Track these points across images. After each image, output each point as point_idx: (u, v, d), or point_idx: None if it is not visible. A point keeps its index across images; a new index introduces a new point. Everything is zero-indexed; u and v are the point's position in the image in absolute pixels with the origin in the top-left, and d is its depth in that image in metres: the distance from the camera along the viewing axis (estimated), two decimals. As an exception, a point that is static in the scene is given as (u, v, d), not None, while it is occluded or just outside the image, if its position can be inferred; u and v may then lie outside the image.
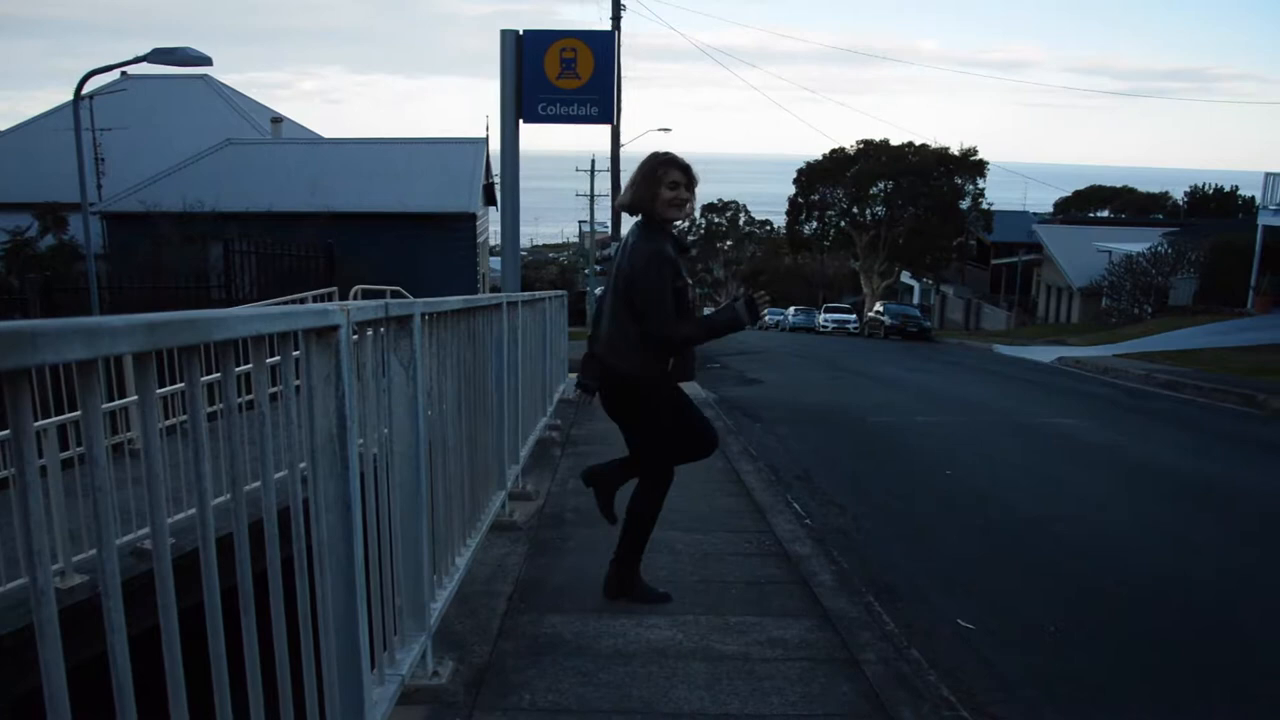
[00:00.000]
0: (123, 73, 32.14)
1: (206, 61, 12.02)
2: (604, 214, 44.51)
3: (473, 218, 25.07)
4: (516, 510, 5.95)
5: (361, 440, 2.72)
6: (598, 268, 48.83)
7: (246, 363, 1.96)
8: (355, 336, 2.58)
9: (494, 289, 28.59)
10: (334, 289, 13.97)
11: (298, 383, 2.19)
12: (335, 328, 2.22)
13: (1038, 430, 11.44)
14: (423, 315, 3.18)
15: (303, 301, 12.35)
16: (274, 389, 2.22)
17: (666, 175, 4.18)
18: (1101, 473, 8.98)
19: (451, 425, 3.96)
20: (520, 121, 11.86)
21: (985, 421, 12.24)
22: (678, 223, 4.38)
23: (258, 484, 2.01)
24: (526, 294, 7.01)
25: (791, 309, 52.33)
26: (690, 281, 4.29)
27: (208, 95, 32.65)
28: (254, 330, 1.74)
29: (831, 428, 11.54)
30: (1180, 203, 63.06)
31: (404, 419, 3.09)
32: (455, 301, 3.87)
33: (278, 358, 2.10)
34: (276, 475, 2.00)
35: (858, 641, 4.01)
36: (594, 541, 5.43)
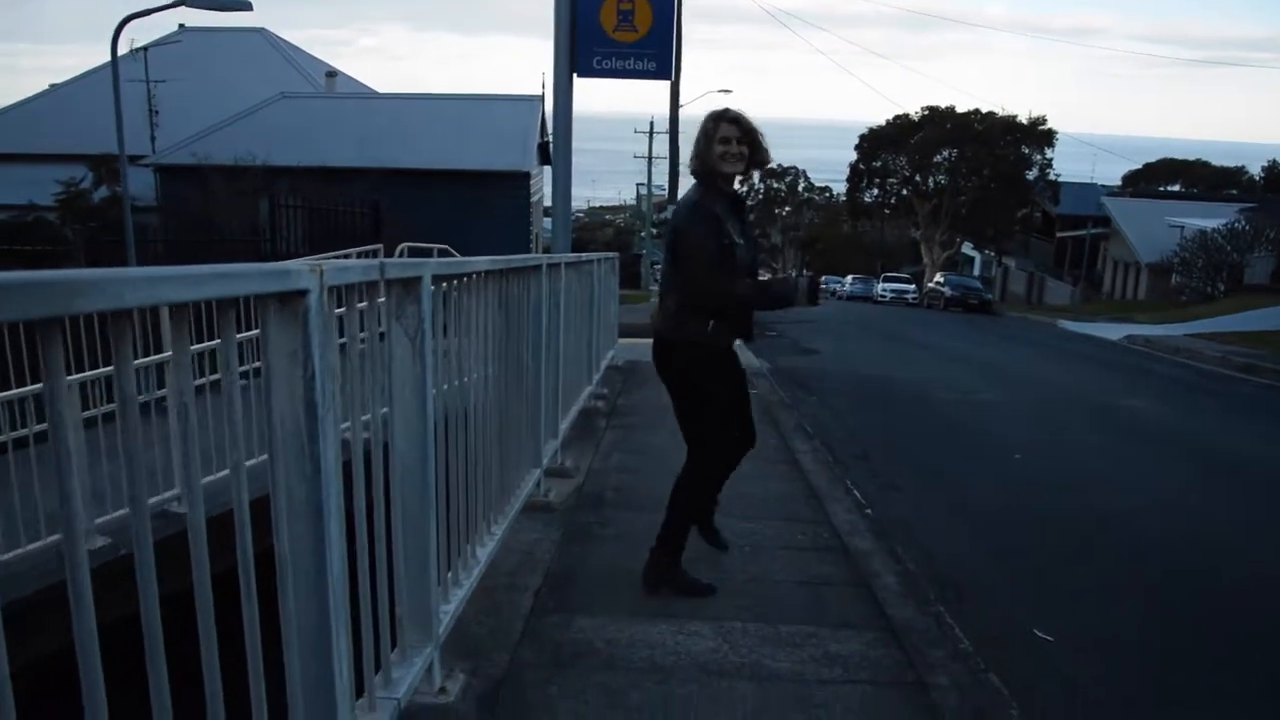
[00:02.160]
0: (180, 25, 32.08)
1: (245, 7, 11.63)
2: (661, 176, 43.79)
3: (526, 176, 24.64)
4: (553, 489, 5.51)
5: (347, 425, 2.28)
6: (654, 230, 48.33)
7: (214, 338, 1.52)
8: (343, 308, 2.14)
9: (546, 249, 28.19)
10: (379, 246, 13.64)
11: (257, 365, 1.76)
12: (302, 293, 1.77)
13: (1110, 413, 10.81)
14: (435, 279, 2.73)
15: (348, 258, 12.02)
16: (245, 368, 1.79)
17: (717, 131, 4.07)
18: (1183, 463, 8.37)
19: (477, 401, 3.52)
20: (574, 75, 11.38)
21: (1054, 402, 11.63)
22: (739, 179, 4.24)
23: (221, 475, 1.59)
24: (571, 255, 6.53)
25: (849, 278, 51.37)
26: (740, 241, 4.07)
27: (263, 48, 32.43)
28: (155, 298, 1.28)
29: (891, 403, 10.99)
30: (1257, 178, 60.95)
31: (410, 400, 2.65)
32: (481, 262, 3.41)
33: (255, 331, 1.67)
34: (208, 480, 1.56)
35: (927, 661, 3.53)
36: (634, 529, 4.98)
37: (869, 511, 5.75)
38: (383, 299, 2.47)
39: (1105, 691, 3.85)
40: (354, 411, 2.28)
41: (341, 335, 2.36)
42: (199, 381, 6.14)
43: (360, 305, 2.28)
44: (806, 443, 7.54)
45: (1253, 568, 5.55)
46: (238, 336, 1.77)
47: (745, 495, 5.71)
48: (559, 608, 3.91)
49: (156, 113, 25.27)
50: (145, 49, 24.41)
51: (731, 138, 4.04)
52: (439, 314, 2.91)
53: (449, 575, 3.23)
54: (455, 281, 3.15)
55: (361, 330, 2.31)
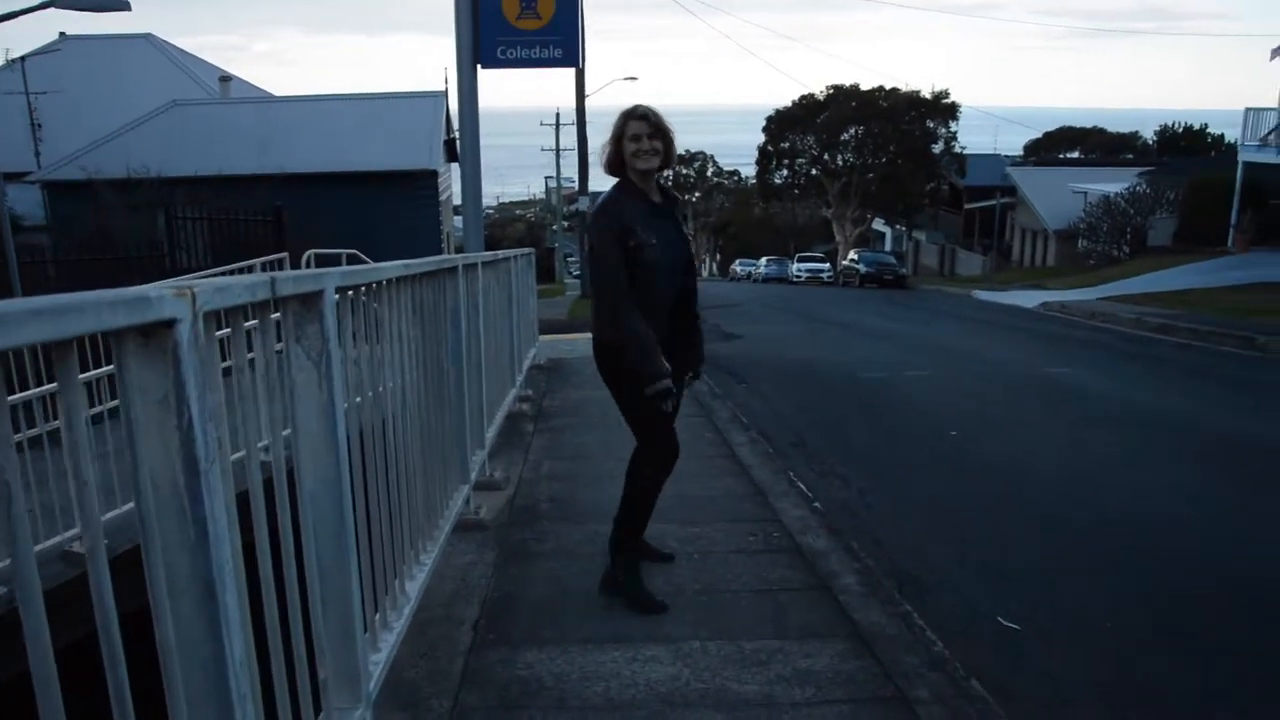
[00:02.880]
0: (61, 33, 30.77)
1: (124, 6, 10.97)
2: (571, 169, 43.39)
3: (434, 175, 24.03)
4: (483, 505, 5.17)
5: (240, 454, 1.94)
6: (565, 224, 47.89)
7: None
8: (226, 329, 1.79)
9: (459, 249, 27.61)
10: (284, 255, 13.04)
11: (112, 406, 1.41)
12: (169, 324, 1.43)
13: (1039, 381, 10.77)
14: (340, 290, 2.39)
15: (250, 270, 11.45)
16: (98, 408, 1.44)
17: (626, 128, 3.92)
18: (1117, 428, 8.30)
19: (396, 418, 3.18)
20: (479, 67, 10.99)
21: (981, 373, 11.56)
22: (664, 173, 4.04)
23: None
24: (488, 254, 6.18)
25: (763, 260, 51.42)
26: (654, 242, 3.84)
27: (151, 55, 31.14)
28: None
29: (820, 386, 10.83)
30: (1150, 142, 62.50)
31: (316, 431, 2.30)
32: (392, 268, 3.07)
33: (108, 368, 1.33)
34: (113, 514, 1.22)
35: (903, 670, 3.28)
36: (572, 542, 4.69)
37: (817, 505, 5.51)
38: (277, 314, 2.13)
39: (1082, 682, 3.65)
40: (250, 443, 1.94)
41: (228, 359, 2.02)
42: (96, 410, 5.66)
43: (249, 323, 1.94)
44: (743, 434, 7.29)
45: (1201, 534, 5.44)
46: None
47: (687, 496, 5.45)
48: (501, 640, 3.58)
49: (39, 126, 24.08)
50: (23, 59, 23.30)
51: (641, 134, 3.87)
52: (350, 323, 2.57)
53: (377, 619, 2.90)
54: (364, 291, 2.81)
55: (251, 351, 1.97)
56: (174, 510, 1.50)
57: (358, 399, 2.84)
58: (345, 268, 2.49)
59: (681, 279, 4.05)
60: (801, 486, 5.91)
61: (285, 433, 2.22)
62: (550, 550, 4.61)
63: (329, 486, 2.36)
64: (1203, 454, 7.35)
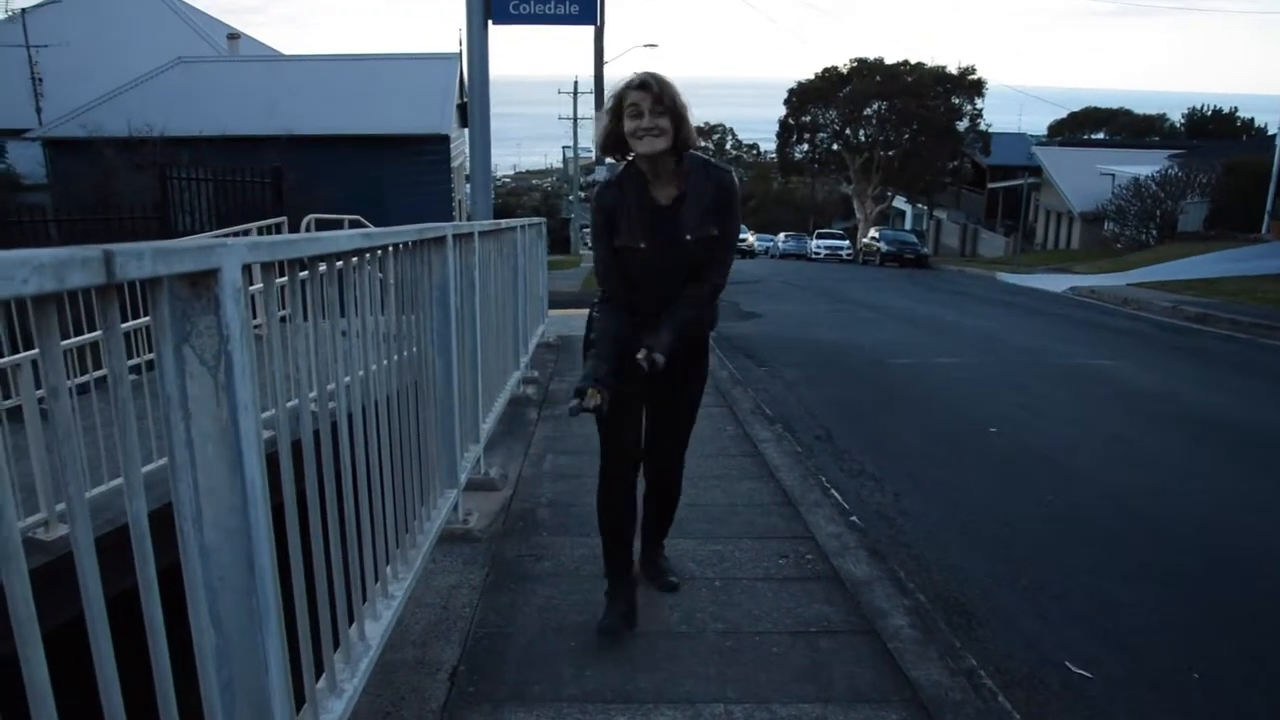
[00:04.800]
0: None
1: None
2: (588, 138, 42.59)
3: (445, 139, 23.33)
4: (474, 512, 4.52)
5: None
6: (581, 194, 47.14)
7: None
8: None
9: (470, 216, 26.94)
10: (283, 219, 12.41)
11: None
12: None
13: (1078, 374, 10.08)
14: (263, 267, 1.74)
15: (246, 234, 10.83)
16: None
17: (625, 100, 3.14)
18: (1175, 429, 7.61)
19: (355, 424, 2.55)
20: (490, 23, 10.33)
21: (1016, 363, 10.87)
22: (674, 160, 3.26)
23: None
24: (488, 223, 5.52)
25: (782, 235, 50.78)
26: (641, 245, 3.21)
27: (158, 10, 30.37)
28: None
29: (845, 371, 10.17)
30: (1178, 125, 61.37)
31: (214, 460, 1.66)
32: (339, 239, 2.41)
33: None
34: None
35: (976, 756, 2.64)
36: (573, 560, 4.05)
37: (854, 519, 4.84)
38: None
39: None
40: (70, 488, 1.29)
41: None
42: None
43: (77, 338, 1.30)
44: (767, 428, 6.63)
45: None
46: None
47: (706, 505, 4.81)
48: (482, 695, 2.93)
49: (41, 81, 23.38)
50: (24, 11, 22.62)
51: (643, 109, 3.07)
52: (280, 306, 1.92)
53: (320, 684, 2.28)
54: (301, 268, 2.15)
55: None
56: None
57: (294, 401, 2.21)
58: (257, 239, 1.83)
59: (678, 289, 3.28)
60: (836, 495, 5.24)
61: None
62: (547, 571, 3.95)
63: (233, 536, 1.72)
64: (1268, 462, 6.67)
